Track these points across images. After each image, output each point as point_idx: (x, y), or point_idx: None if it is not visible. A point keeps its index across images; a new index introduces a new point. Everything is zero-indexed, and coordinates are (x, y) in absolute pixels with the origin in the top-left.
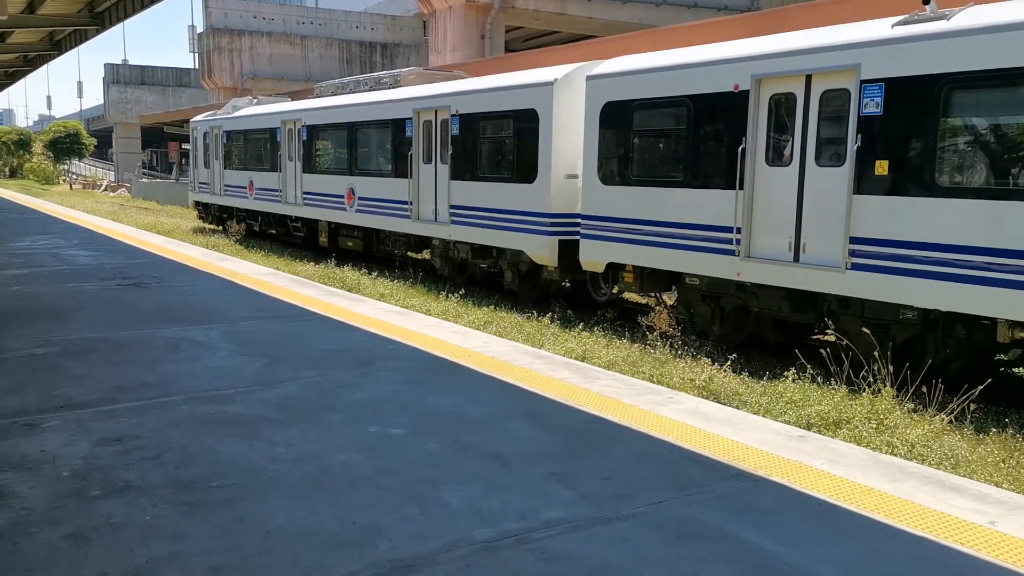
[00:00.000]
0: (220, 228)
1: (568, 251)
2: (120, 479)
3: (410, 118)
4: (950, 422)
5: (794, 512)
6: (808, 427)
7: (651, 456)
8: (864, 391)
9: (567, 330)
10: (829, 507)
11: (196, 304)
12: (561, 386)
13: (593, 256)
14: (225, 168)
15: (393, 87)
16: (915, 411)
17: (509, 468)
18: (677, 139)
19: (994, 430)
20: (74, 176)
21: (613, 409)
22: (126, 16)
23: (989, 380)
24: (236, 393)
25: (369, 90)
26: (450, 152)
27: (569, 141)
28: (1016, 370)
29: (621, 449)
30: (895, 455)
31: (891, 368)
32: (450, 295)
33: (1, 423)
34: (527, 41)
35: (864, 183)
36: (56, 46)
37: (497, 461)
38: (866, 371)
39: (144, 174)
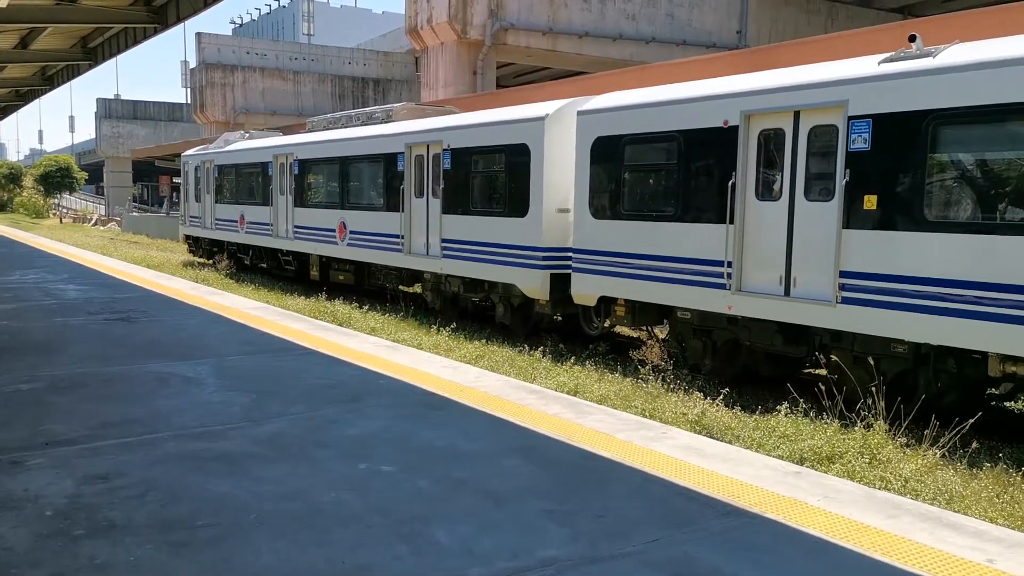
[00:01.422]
0: (210, 262)
1: (560, 285)
2: (104, 518)
3: (402, 152)
4: (943, 456)
5: (790, 550)
6: (801, 461)
7: (645, 493)
8: (857, 425)
9: (559, 364)
10: (826, 545)
11: (185, 339)
12: (554, 421)
13: (585, 290)
14: (216, 202)
15: (385, 122)
16: (908, 445)
17: (502, 505)
18: (668, 174)
19: (987, 464)
20: (64, 210)
21: (606, 445)
22: (119, 51)
23: (980, 414)
24: (224, 429)
25: (361, 125)
26: (442, 186)
27: (560, 175)
28: (1008, 404)
29: (615, 486)
30: (889, 490)
31: (883, 402)
32: (441, 329)
33: None
34: (518, 77)
35: (853, 217)
36: (48, 81)
37: (490, 498)
38: (859, 405)
39: (135, 208)
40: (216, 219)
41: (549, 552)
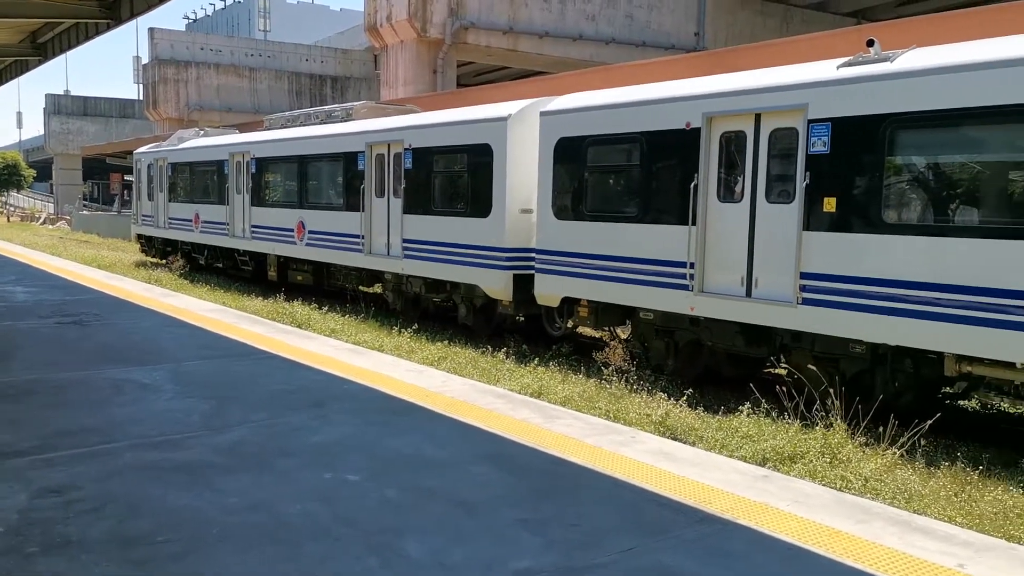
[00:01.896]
0: (164, 262)
1: (523, 285)
2: (59, 534)
3: (362, 151)
4: (902, 456)
5: (765, 557)
6: (764, 462)
7: (618, 500)
8: (817, 425)
9: (523, 365)
10: (799, 551)
11: (139, 343)
12: (522, 426)
13: (548, 290)
14: (170, 201)
15: (345, 120)
16: (867, 445)
17: (473, 515)
18: (630, 175)
19: (945, 463)
20: (12, 208)
21: (576, 450)
22: (69, 47)
23: (939, 414)
24: (183, 438)
25: (320, 123)
26: (403, 186)
27: (523, 176)
28: (963, 403)
29: (587, 493)
30: (849, 489)
31: (842, 402)
32: (403, 330)
33: None
34: (479, 76)
35: (813, 219)
36: None
37: (460, 507)
38: (818, 405)
39: (85, 206)
40: (170, 218)
41: (523, 563)
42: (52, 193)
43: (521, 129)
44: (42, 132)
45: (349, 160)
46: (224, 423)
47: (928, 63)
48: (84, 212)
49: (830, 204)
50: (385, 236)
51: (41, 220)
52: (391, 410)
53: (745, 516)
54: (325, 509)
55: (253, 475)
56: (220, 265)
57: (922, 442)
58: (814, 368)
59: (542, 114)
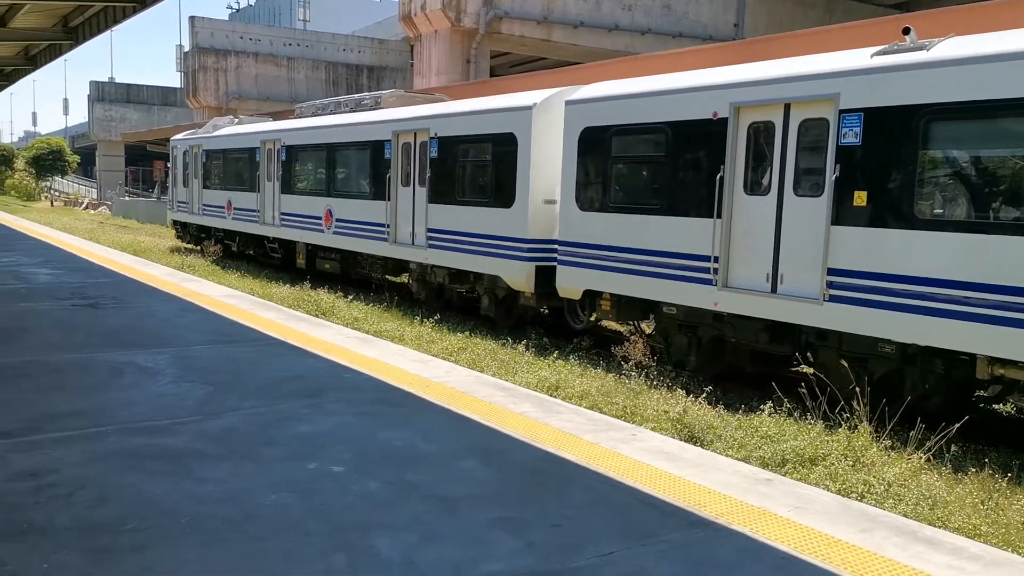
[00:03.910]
0: (198, 248)
1: (545, 277)
2: (25, 520)
3: (389, 140)
4: (928, 460)
5: (755, 566)
6: (783, 463)
7: (607, 500)
8: (841, 427)
9: (542, 358)
10: (793, 561)
11: (150, 327)
12: (520, 420)
13: (570, 283)
14: (204, 187)
15: (373, 109)
16: (893, 448)
17: (452, 513)
18: (655, 166)
19: (972, 469)
20: (56, 193)
21: (572, 447)
22: (100, 31)
23: (967, 418)
24: (172, 424)
25: (349, 111)
26: (428, 175)
27: (547, 166)
28: (995, 407)
29: (576, 492)
30: (872, 494)
31: (868, 403)
32: (425, 320)
33: None
34: (513, 67)
35: (842, 214)
36: (31, 60)
37: (441, 504)
38: (843, 406)
39: (127, 192)
40: (204, 205)
41: (495, 566)
42: (95, 179)
43: (546, 118)
44: (87, 119)
45: (376, 149)
46: (216, 409)
47: (966, 52)
48: (125, 198)
49: (861, 198)
50: (410, 225)
51: (84, 205)
52: (389, 400)
53: (740, 521)
54: (301, 502)
55: (234, 464)
56: (251, 252)
57: (951, 448)
58: (840, 367)
59: (567, 103)
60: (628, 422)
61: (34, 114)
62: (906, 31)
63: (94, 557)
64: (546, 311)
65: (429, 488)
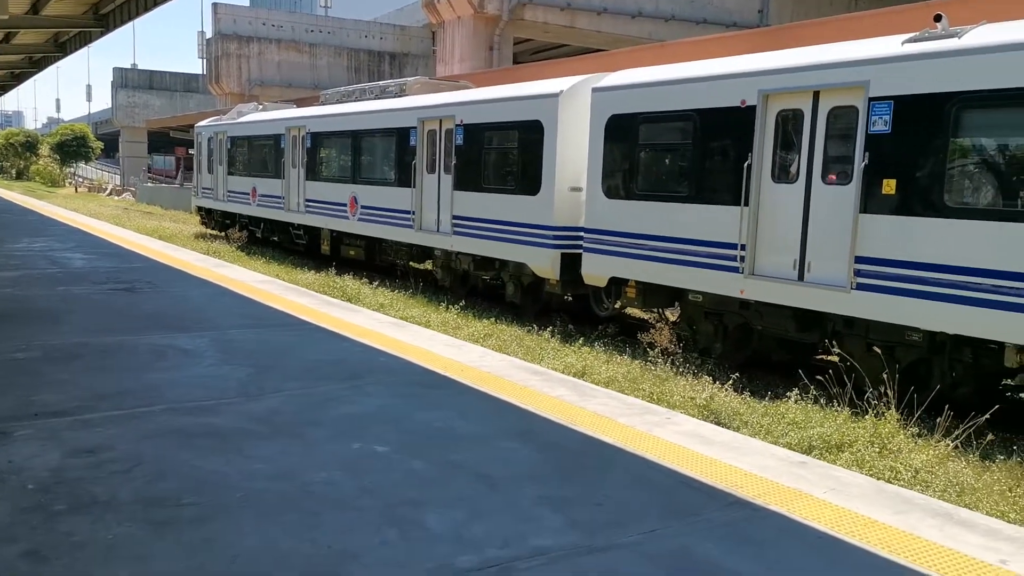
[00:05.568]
0: (222, 234)
1: (571, 265)
2: (87, 494)
3: (414, 127)
4: (955, 448)
5: (793, 545)
6: (810, 449)
7: (646, 481)
8: (867, 414)
9: (567, 345)
10: (831, 540)
11: (187, 311)
12: (556, 404)
13: (595, 270)
14: (229, 174)
15: (398, 96)
16: (920, 436)
17: (497, 490)
18: (682, 154)
19: (1000, 457)
20: (80, 179)
21: (608, 429)
22: (130, 18)
23: (997, 406)
24: (218, 404)
25: (374, 98)
26: (454, 162)
27: (574, 153)
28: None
29: (615, 472)
30: (899, 480)
31: (895, 391)
32: (451, 307)
33: None
34: (536, 54)
35: (871, 202)
36: (61, 48)
37: (485, 482)
38: (870, 393)
39: (150, 178)
40: (228, 191)
41: (542, 541)
42: (119, 165)
43: (573, 106)
44: (110, 105)
45: (401, 136)
46: (259, 391)
47: (998, 39)
48: (148, 184)
49: (889, 186)
50: (435, 212)
51: (107, 191)
52: (426, 383)
53: (777, 502)
54: (350, 479)
55: (282, 443)
56: (276, 239)
57: (987, 435)
58: (868, 356)
59: (594, 90)
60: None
61: (57, 100)
62: (937, 18)
63: (156, 528)
64: (571, 298)
65: (472, 467)
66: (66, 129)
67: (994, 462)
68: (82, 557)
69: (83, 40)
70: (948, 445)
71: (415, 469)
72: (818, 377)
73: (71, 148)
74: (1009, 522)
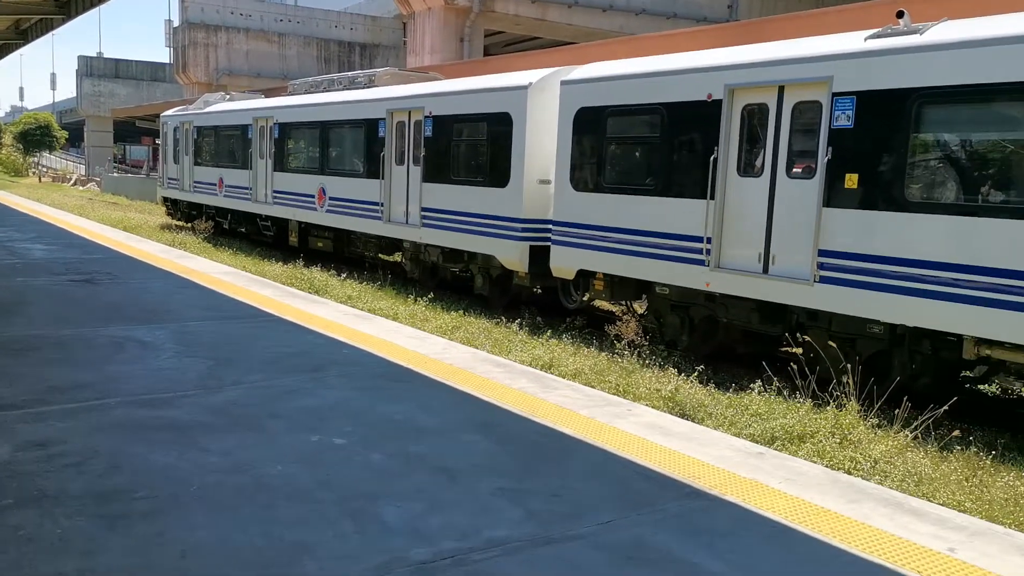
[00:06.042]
0: (189, 225)
1: (539, 257)
2: (37, 488)
3: (383, 119)
4: (914, 439)
5: (748, 534)
6: (772, 440)
7: (604, 472)
8: (829, 405)
9: (535, 337)
10: (785, 529)
11: (148, 302)
12: (518, 396)
13: (563, 263)
14: (195, 164)
15: (367, 87)
16: (879, 427)
17: (456, 482)
18: (649, 147)
19: (958, 448)
20: (44, 169)
21: (569, 421)
22: (92, 5)
23: (955, 398)
24: (176, 397)
25: (343, 89)
26: (423, 154)
27: (542, 146)
28: (981, 387)
29: (574, 464)
30: (858, 471)
31: (857, 382)
32: (419, 299)
33: None
34: (508, 46)
35: (834, 196)
36: (22, 35)
37: (444, 475)
38: (832, 385)
39: (115, 168)
40: (195, 182)
41: (498, 532)
42: (84, 154)
43: (542, 98)
44: (75, 94)
45: (370, 127)
46: (218, 383)
47: (959, 36)
48: (114, 174)
49: (852, 180)
50: (404, 204)
51: (72, 181)
52: (388, 376)
53: (734, 492)
54: (307, 472)
55: (239, 436)
56: (243, 230)
57: (951, 426)
58: (830, 347)
59: (562, 83)
60: (623, 398)
61: (21, 89)
62: (900, 15)
63: (107, 523)
64: (539, 291)
65: (431, 460)
66: (30, 118)
67: (952, 452)
68: (29, 551)
69: (45, 27)
70: (907, 436)
71: (374, 462)
72: (790, 367)
73: (35, 137)
74: (964, 511)
